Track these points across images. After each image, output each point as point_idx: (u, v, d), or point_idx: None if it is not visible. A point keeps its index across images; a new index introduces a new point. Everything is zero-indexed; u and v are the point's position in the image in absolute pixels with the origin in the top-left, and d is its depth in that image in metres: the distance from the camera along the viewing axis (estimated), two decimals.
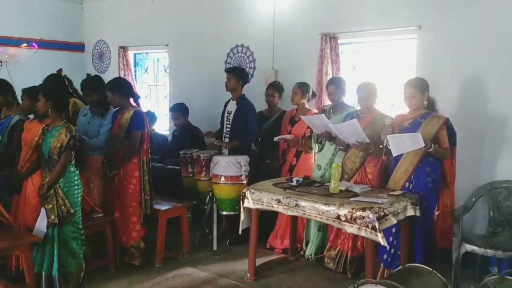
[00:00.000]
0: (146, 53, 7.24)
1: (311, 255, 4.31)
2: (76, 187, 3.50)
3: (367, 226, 3.10)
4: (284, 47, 5.35)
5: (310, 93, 4.59)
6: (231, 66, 5.71)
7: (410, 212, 3.38)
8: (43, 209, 3.48)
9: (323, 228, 4.24)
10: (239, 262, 4.26)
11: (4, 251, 3.27)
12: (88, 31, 7.69)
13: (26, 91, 4.03)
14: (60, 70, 4.66)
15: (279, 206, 3.58)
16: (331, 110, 4.42)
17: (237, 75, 4.64)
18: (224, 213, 4.47)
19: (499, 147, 4.00)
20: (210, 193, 4.56)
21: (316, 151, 4.35)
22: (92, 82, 4.33)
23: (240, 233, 3.97)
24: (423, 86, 3.62)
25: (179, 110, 5.57)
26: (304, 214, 3.44)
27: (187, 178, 4.79)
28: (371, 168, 3.88)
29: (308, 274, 4.04)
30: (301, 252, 4.43)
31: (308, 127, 4.37)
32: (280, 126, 4.74)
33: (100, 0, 7.36)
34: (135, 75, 7.24)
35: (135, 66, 7.30)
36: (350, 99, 4.53)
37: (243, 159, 4.37)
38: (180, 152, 4.82)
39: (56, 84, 3.99)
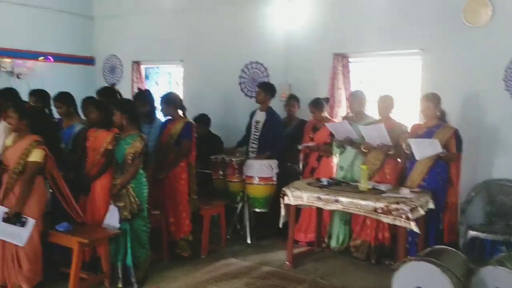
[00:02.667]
0: (157, 67, 7.71)
1: (334, 246, 4.92)
2: (144, 187, 3.99)
3: (401, 217, 3.76)
4: (297, 64, 6.00)
5: (325, 106, 5.23)
6: (246, 80, 6.42)
7: (431, 205, 4.07)
8: (111, 207, 3.95)
9: (348, 222, 4.87)
10: (272, 253, 4.83)
11: (90, 245, 3.70)
12: (98, 46, 8.08)
13: (94, 103, 4.41)
14: (113, 84, 5.09)
15: (319, 202, 4.19)
16: (351, 119, 5.07)
17: (267, 89, 5.26)
18: (257, 210, 5.04)
19: (492, 150, 4.78)
20: (241, 193, 5.12)
21: (338, 154, 4.98)
22: (145, 95, 4.84)
23: (280, 226, 4.53)
24: (437, 100, 4.35)
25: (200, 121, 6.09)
26: (343, 208, 4.06)
27: (218, 180, 5.32)
28: (390, 169, 4.56)
29: (336, 261, 4.66)
30: (323, 245, 5.03)
31: (330, 134, 5.02)
32: (300, 133, 5.37)
33: (112, 16, 7.78)
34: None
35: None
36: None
37: (274, 163, 4.98)
38: (212, 157, 5.34)
39: (128, 99, 4.47)
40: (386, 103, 4.62)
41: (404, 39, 5.22)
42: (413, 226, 3.72)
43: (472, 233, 4.29)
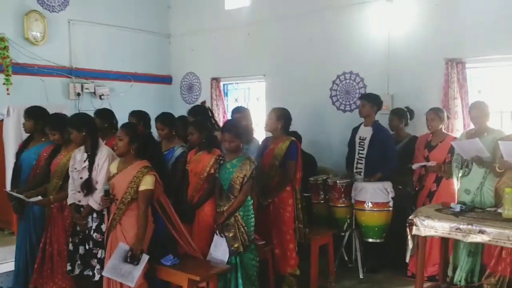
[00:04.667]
0: (236, 83, 7.36)
1: (460, 281, 4.19)
2: (252, 215, 3.56)
3: None
4: (400, 72, 5.39)
5: (446, 118, 4.58)
6: (338, 92, 5.89)
7: None
8: (217, 237, 3.51)
9: (474, 253, 4.14)
10: None
11: (201, 281, 3.26)
12: (175, 64, 7.86)
13: (195, 125, 4.04)
14: (204, 102, 4.75)
15: (457, 233, 3.51)
16: (475, 134, 4.37)
17: (372, 101, 4.68)
18: (370, 240, 4.42)
19: None
20: (349, 220, 4.53)
21: (459, 175, 4.28)
22: (244, 112, 4.42)
23: (407, 261, 3.89)
24: None
25: None
26: (490, 240, 3.37)
27: (318, 205, 4.77)
28: None
29: None
30: (448, 279, 4.32)
31: (449, 152, 4.34)
32: (409, 151, 4.72)
33: (189, 33, 7.55)
34: (227, 104, 7.34)
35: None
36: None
37: (389, 186, 4.36)
38: (311, 178, 4.81)
39: (236, 121, 4.11)
40: None
41: None
42: None
43: None
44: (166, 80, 7.88)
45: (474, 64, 4.94)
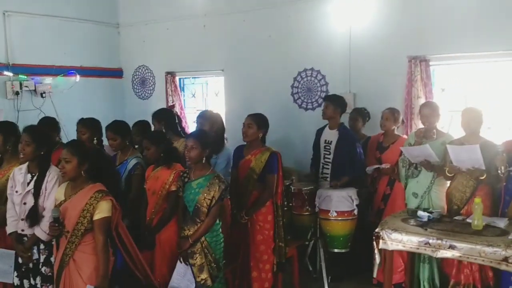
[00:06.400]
0: (193, 77, 6.96)
1: None
2: (221, 240, 3.26)
3: None
4: (361, 70, 5.19)
5: (401, 120, 4.44)
6: (299, 89, 5.64)
7: None
8: (179, 264, 3.20)
9: (428, 259, 4.03)
10: None
11: None
12: (126, 56, 7.34)
13: (150, 139, 3.61)
14: (172, 106, 4.37)
15: (426, 247, 3.36)
16: (425, 134, 4.24)
17: (336, 102, 4.45)
18: (335, 250, 4.23)
19: None
20: (313, 229, 4.32)
21: (404, 175, 4.13)
22: (211, 117, 4.07)
23: (375, 275, 3.73)
24: None
25: None
26: (461, 256, 3.23)
27: None
28: (483, 197, 3.69)
29: None
30: None
31: (401, 154, 4.21)
32: (365, 153, 4.55)
33: (140, 24, 7.04)
34: (184, 100, 6.94)
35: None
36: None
37: (354, 193, 4.17)
38: None
39: (206, 130, 3.71)
40: (475, 117, 3.76)
41: (497, 37, 4.35)
42: None
43: None
44: (116, 73, 7.36)
45: (438, 62, 4.80)
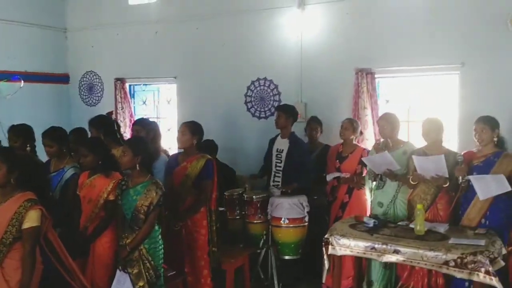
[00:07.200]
0: (144, 84, 6.86)
1: None
2: (160, 247, 3.23)
3: (479, 271, 3.12)
4: (312, 81, 5.33)
5: (359, 131, 4.61)
6: (252, 98, 5.71)
7: (504, 250, 3.46)
8: (119, 272, 3.16)
9: (390, 265, 4.22)
10: None
11: None
12: (73, 62, 7.13)
13: (88, 146, 3.55)
14: (110, 113, 4.29)
15: (372, 252, 3.51)
16: (384, 147, 4.43)
17: (288, 112, 4.55)
18: (286, 257, 4.31)
19: None
20: (265, 236, 4.38)
21: (374, 188, 4.32)
22: (147, 125, 4.04)
23: (324, 281, 3.83)
24: (493, 123, 3.75)
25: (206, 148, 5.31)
26: (404, 260, 3.40)
27: (234, 221, 4.55)
28: (443, 205, 3.91)
29: None
30: None
31: (359, 163, 4.37)
32: (323, 161, 4.69)
33: (89, 29, 6.87)
34: (134, 107, 6.83)
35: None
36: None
37: (304, 200, 4.27)
38: (226, 193, 4.57)
39: (142, 137, 3.65)
40: (435, 127, 3.96)
41: (439, 51, 4.63)
42: (495, 283, 3.09)
43: None
44: (62, 79, 7.12)
45: (382, 74, 5.02)
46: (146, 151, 3.20)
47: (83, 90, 7.08)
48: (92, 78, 6.99)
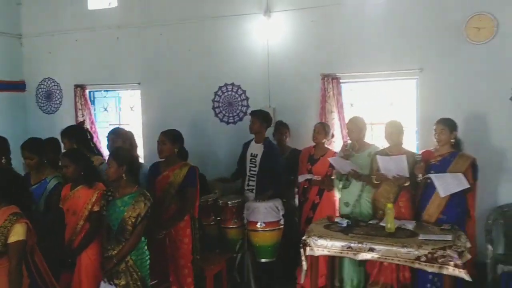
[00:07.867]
0: (105, 91, 6.72)
1: None
2: (147, 258, 3.24)
3: (448, 265, 3.36)
4: (279, 86, 5.45)
5: (330, 135, 4.78)
6: (220, 104, 5.77)
7: (468, 244, 3.73)
8: (103, 284, 3.15)
9: (360, 263, 4.40)
10: None
11: None
12: (30, 69, 6.87)
13: (69, 156, 3.47)
14: (82, 122, 4.21)
15: (348, 251, 3.67)
16: (351, 149, 4.63)
17: (262, 118, 4.63)
18: (263, 260, 4.40)
19: (499, 176, 4.59)
20: (241, 241, 4.46)
21: (340, 187, 4.51)
22: (123, 134, 3.99)
23: (302, 281, 3.95)
24: (452, 126, 4.05)
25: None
26: (379, 257, 3.58)
27: (209, 226, 4.60)
28: (404, 202, 4.14)
29: None
30: None
31: (330, 166, 4.54)
32: (293, 164, 4.82)
33: (45, 35, 6.64)
34: (95, 114, 6.67)
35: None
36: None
37: (279, 203, 4.38)
38: (201, 198, 4.56)
39: (123, 147, 3.61)
40: (396, 129, 4.22)
41: (399, 58, 4.90)
42: (464, 275, 3.35)
43: (504, 267, 4.03)
44: (18, 86, 6.85)
45: (347, 79, 5.23)
46: (130, 160, 3.19)
47: (41, 97, 6.84)
48: (50, 85, 6.77)
